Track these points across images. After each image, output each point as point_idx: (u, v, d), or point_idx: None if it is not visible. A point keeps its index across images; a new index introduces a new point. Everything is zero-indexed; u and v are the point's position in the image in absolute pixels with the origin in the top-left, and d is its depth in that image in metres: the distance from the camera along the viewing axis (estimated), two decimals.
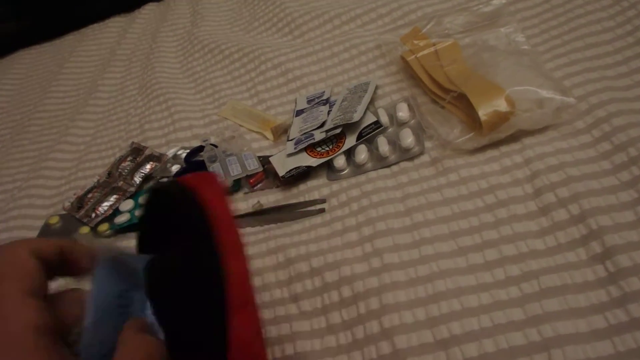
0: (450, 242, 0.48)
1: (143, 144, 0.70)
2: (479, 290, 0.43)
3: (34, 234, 0.63)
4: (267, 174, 0.62)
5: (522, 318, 0.41)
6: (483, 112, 0.52)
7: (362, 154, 0.57)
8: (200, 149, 0.66)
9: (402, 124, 0.59)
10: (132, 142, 0.71)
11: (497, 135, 0.53)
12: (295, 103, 0.69)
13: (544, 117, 0.53)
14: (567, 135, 0.52)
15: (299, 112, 0.67)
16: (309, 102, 0.68)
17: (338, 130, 0.59)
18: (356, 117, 0.59)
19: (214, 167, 0.62)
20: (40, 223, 0.64)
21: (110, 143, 0.74)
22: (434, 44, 0.64)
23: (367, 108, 0.61)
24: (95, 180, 0.67)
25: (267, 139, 0.66)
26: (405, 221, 0.50)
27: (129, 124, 0.76)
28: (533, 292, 0.42)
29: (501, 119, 0.52)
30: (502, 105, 0.52)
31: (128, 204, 0.62)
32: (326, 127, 0.61)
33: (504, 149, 0.53)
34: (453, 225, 0.49)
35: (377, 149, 0.57)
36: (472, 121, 0.55)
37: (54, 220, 0.63)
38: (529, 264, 0.44)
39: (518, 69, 0.56)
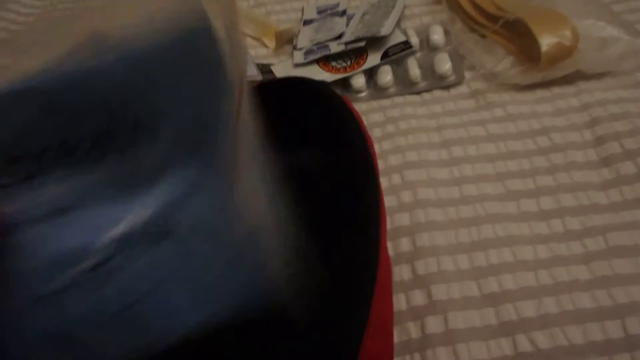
0: (498, 184, 0.40)
1: None
2: (535, 242, 0.36)
3: None
4: None
5: (589, 278, 0.34)
6: (545, 42, 0.44)
7: (386, 75, 0.48)
8: None
9: (435, 49, 0.51)
10: None
11: (553, 72, 0.45)
12: (302, 12, 0.59)
13: (608, 61, 0.46)
14: (628, 85, 0.46)
15: (306, 22, 0.57)
16: (319, 12, 0.58)
17: (361, 44, 0.50)
18: (384, 31, 0.50)
19: None
20: None
21: None
22: None
23: (396, 26, 0.52)
24: None
25: (266, 46, 0.57)
26: (441, 154, 0.42)
27: None
28: (599, 249, 0.35)
29: (564, 52, 0.44)
30: (567, 37, 0.44)
31: None
32: (345, 39, 0.51)
33: (557, 90, 0.46)
34: (500, 166, 0.41)
35: (405, 71, 0.48)
36: (523, 54, 0.47)
37: None
38: (592, 218, 0.37)
39: (580, 3, 0.48)
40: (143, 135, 0.15)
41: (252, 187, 0.17)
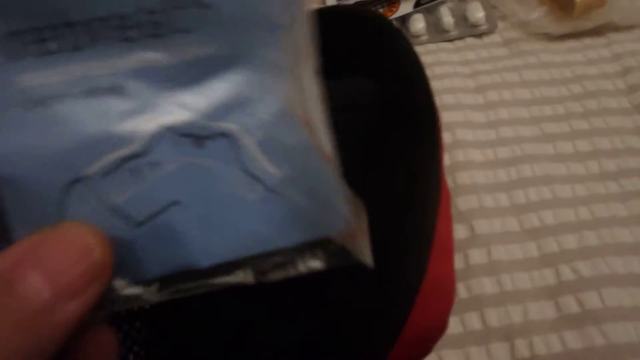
0: (533, 127, 0.41)
1: None
2: (572, 181, 0.37)
3: None
4: None
5: (626, 215, 0.35)
6: None
7: (419, 23, 0.49)
8: None
9: None
10: None
11: (585, 23, 0.46)
12: None
13: (639, 12, 0.46)
14: None
15: None
16: None
17: None
18: None
19: None
20: None
21: None
22: None
23: None
24: None
25: None
26: (477, 98, 0.43)
27: None
28: (635, 189, 0.36)
29: (597, 2, 0.45)
30: None
31: None
32: None
33: (587, 41, 0.47)
34: (535, 110, 0.42)
35: (438, 19, 0.49)
36: (555, 4, 0.47)
37: None
38: (627, 160, 0.38)
39: None
40: (203, 32, 0.13)
41: (314, 102, 0.15)
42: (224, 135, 0.14)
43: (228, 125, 0.14)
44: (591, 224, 0.34)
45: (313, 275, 0.19)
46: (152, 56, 0.13)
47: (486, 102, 0.43)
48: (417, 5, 0.50)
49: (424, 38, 0.49)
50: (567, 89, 0.43)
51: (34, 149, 0.13)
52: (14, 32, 0.12)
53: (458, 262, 0.34)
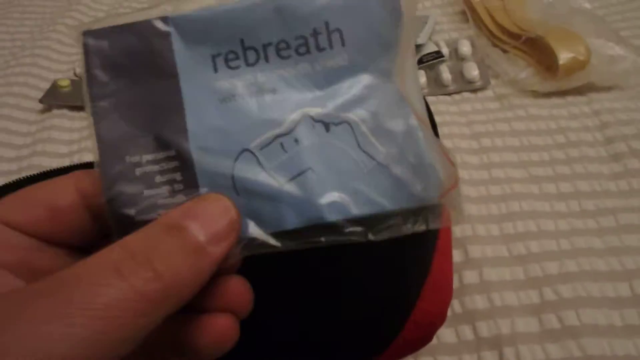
0: (522, 170, 0.46)
1: None
2: (555, 217, 0.42)
3: (38, 94, 0.55)
4: None
5: (602, 247, 0.40)
6: (563, 56, 0.51)
7: (421, 77, 0.55)
8: None
9: (463, 59, 0.57)
10: None
11: (568, 83, 0.52)
12: None
13: (616, 75, 0.52)
14: (634, 98, 0.52)
15: None
16: None
17: None
18: (420, 40, 0.57)
19: None
20: (46, 85, 0.57)
21: None
22: None
23: (428, 39, 0.59)
24: None
25: None
26: (472, 144, 0.48)
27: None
28: (610, 226, 0.41)
29: (578, 65, 0.51)
30: (581, 52, 0.51)
31: None
32: None
33: (570, 99, 0.53)
34: (523, 156, 0.47)
35: (438, 75, 0.55)
36: (541, 66, 0.54)
37: (64, 83, 0.56)
38: (604, 201, 0.43)
39: (591, 25, 0.56)
40: (333, 46, 0.20)
41: (413, 86, 0.21)
42: (346, 122, 0.20)
43: (349, 116, 0.20)
44: (571, 253, 0.39)
45: (344, 267, 0.24)
46: (300, 68, 0.20)
47: (480, 147, 0.48)
48: (419, 62, 0.56)
49: (425, 91, 0.55)
50: (552, 138, 0.49)
51: (220, 129, 0.19)
52: (215, 54, 0.20)
53: (453, 281, 0.38)
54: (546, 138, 0.49)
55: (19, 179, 0.31)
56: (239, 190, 0.19)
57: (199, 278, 0.17)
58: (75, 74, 0.58)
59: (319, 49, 0.20)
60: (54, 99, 0.54)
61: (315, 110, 0.20)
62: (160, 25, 0.19)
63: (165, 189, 0.19)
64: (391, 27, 0.20)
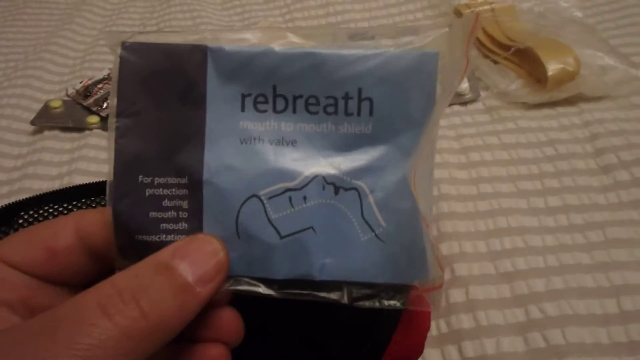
0: (510, 184, 0.46)
1: None
2: (543, 232, 0.42)
3: (30, 115, 0.56)
4: None
5: (590, 263, 0.40)
6: (552, 68, 0.51)
7: None
8: None
9: None
10: None
11: (558, 94, 0.52)
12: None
13: (606, 86, 0.52)
14: (624, 108, 0.52)
15: None
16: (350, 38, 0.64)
17: None
18: None
19: None
20: (38, 106, 0.57)
21: None
22: (490, 3, 0.62)
23: None
24: (106, 73, 0.61)
25: None
26: (460, 158, 0.48)
27: (145, 26, 0.70)
28: (599, 241, 0.41)
29: (567, 77, 0.51)
30: (570, 63, 0.51)
31: None
32: None
33: (561, 110, 0.52)
34: (512, 170, 0.47)
35: None
36: (532, 77, 0.53)
37: (56, 104, 0.57)
38: (593, 215, 0.43)
39: (582, 35, 0.55)
40: (361, 113, 0.20)
41: (425, 176, 0.21)
42: (354, 189, 0.20)
43: (360, 184, 0.20)
44: (558, 270, 0.39)
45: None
46: (324, 126, 0.20)
47: (469, 161, 0.48)
48: None
49: None
50: (541, 151, 0.48)
51: (235, 168, 0.20)
52: (246, 93, 0.20)
53: (440, 299, 0.38)
54: (535, 151, 0.48)
55: (9, 204, 0.32)
56: (240, 232, 0.20)
57: (185, 317, 0.18)
58: (67, 95, 0.58)
59: (347, 113, 0.20)
60: (46, 120, 0.55)
61: (328, 171, 0.20)
62: (198, 53, 0.20)
63: (170, 214, 0.20)
64: (422, 110, 0.21)
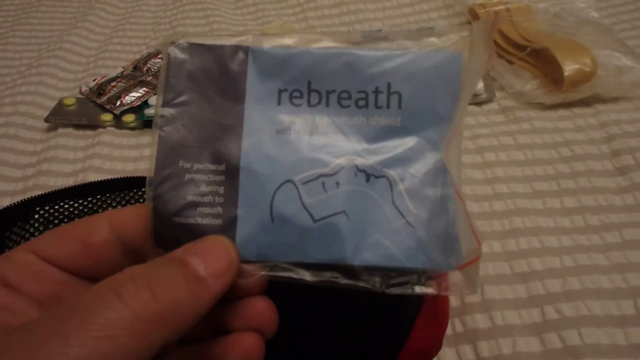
0: (525, 185, 0.45)
1: None
2: (559, 233, 0.41)
3: (44, 112, 0.56)
4: None
5: (606, 264, 0.39)
6: (568, 68, 0.50)
7: None
8: None
9: None
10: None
11: (574, 95, 0.51)
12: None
13: (623, 86, 0.52)
14: None
15: None
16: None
17: None
18: None
19: None
20: (52, 103, 0.57)
21: (136, 40, 0.68)
22: (505, 3, 0.62)
23: None
24: (119, 71, 0.61)
25: None
26: (476, 158, 0.48)
27: (158, 24, 0.70)
28: (615, 242, 0.41)
29: (584, 77, 0.51)
30: (587, 64, 0.51)
31: None
32: None
33: (577, 110, 0.52)
34: (527, 170, 0.47)
35: None
36: (547, 78, 0.53)
37: (70, 101, 0.57)
38: (609, 216, 0.42)
39: (598, 36, 0.55)
40: (390, 106, 0.21)
41: (455, 160, 0.22)
42: (385, 177, 0.21)
43: (390, 172, 0.21)
44: (574, 271, 0.39)
45: (345, 305, 0.24)
46: (355, 119, 0.22)
47: (484, 161, 0.48)
48: None
49: None
50: (557, 152, 0.48)
51: (271, 156, 0.21)
52: (282, 89, 0.22)
53: (455, 301, 0.38)
54: (551, 151, 0.48)
55: (26, 199, 0.32)
56: (274, 216, 0.21)
57: (198, 307, 0.18)
58: (81, 92, 0.59)
59: (377, 106, 0.22)
60: (60, 117, 0.55)
61: (360, 160, 0.21)
62: (240, 53, 0.22)
63: (207, 199, 0.21)
64: (447, 105, 0.22)
